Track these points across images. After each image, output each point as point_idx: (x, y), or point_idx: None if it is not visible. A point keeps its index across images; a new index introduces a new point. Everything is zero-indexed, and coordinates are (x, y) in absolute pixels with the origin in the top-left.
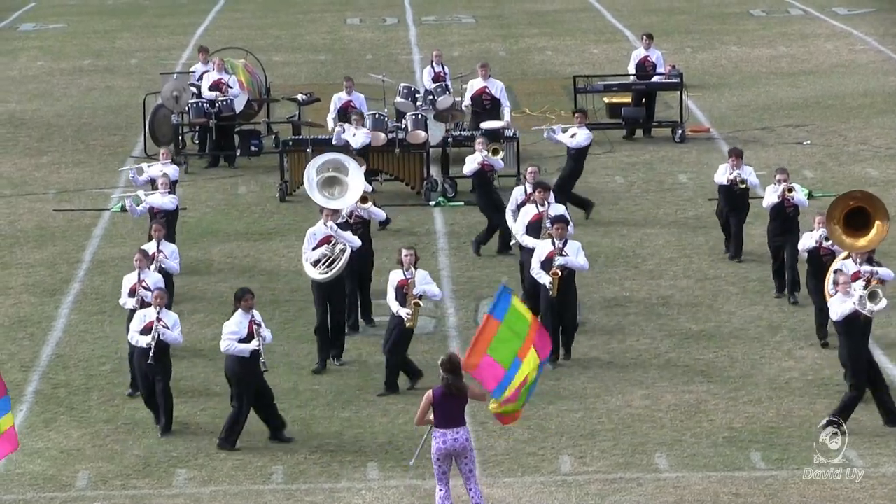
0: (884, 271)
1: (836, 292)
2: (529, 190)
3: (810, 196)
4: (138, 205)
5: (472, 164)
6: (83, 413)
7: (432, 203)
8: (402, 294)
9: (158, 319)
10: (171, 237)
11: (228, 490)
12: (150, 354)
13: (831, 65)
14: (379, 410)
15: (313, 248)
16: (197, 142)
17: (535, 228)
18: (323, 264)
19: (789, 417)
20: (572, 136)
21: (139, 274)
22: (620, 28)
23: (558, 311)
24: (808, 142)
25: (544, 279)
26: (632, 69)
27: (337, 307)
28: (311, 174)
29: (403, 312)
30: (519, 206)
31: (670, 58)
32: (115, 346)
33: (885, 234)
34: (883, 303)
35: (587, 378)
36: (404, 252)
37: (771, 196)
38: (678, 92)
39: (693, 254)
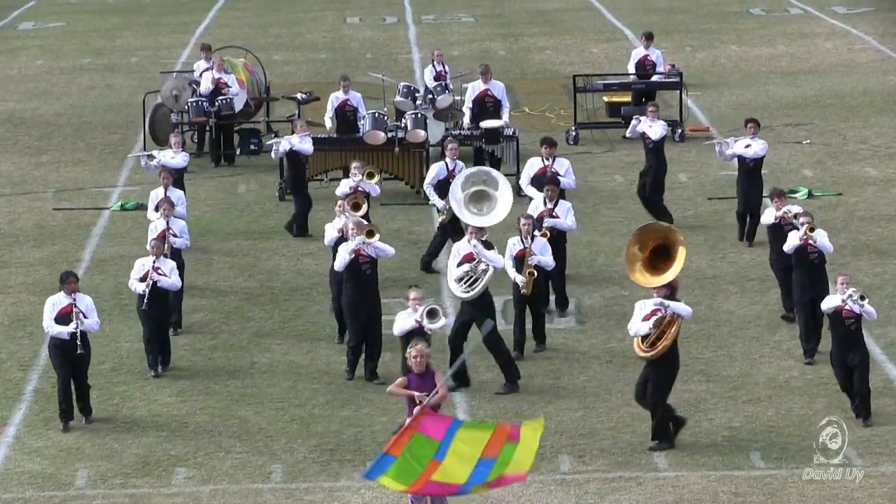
0: (676, 306)
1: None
2: (451, 166)
3: (810, 195)
4: (152, 161)
5: (343, 187)
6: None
7: (431, 202)
8: (521, 262)
9: (155, 269)
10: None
11: (228, 489)
12: (145, 301)
13: (831, 64)
14: (378, 409)
15: (457, 265)
16: (196, 140)
17: (538, 181)
18: (465, 283)
19: (788, 416)
20: (747, 147)
21: (167, 222)
22: (620, 27)
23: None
24: (808, 141)
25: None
26: (631, 68)
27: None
28: (457, 192)
29: (519, 279)
30: (440, 181)
31: (670, 57)
32: (115, 344)
33: (685, 258)
34: (441, 321)
35: (586, 377)
36: (522, 221)
37: (793, 239)
38: (678, 91)
39: (692, 253)
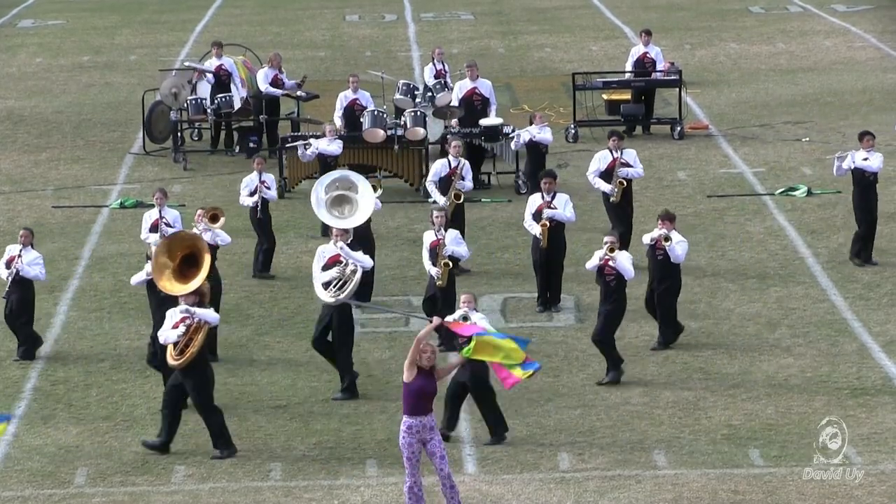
0: (203, 313)
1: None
2: (454, 163)
3: (809, 193)
4: (307, 149)
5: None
6: (82, 410)
7: (432, 199)
8: (435, 254)
9: (19, 256)
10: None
11: (227, 487)
12: (7, 287)
13: (830, 62)
14: (378, 407)
15: (323, 268)
16: (196, 138)
17: (608, 173)
18: (334, 286)
19: (788, 415)
20: (865, 160)
21: (160, 211)
22: (619, 25)
23: (547, 259)
24: (807, 139)
25: (535, 230)
26: (629, 66)
27: (342, 334)
28: (320, 193)
29: (434, 272)
30: (441, 179)
31: (669, 55)
32: (114, 342)
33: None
34: None
35: (586, 375)
36: (435, 213)
37: (594, 258)
38: (677, 89)
39: (691, 251)
